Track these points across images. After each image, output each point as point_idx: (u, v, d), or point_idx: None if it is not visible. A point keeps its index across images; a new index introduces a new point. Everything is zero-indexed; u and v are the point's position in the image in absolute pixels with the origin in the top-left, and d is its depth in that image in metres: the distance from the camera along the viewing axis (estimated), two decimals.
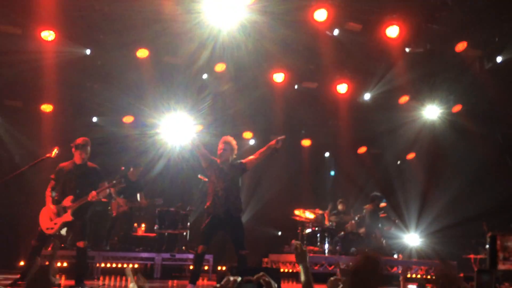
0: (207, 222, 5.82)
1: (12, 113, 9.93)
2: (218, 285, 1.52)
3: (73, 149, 5.94)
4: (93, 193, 5.77)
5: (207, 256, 8.49)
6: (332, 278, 2.54)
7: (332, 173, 13.09)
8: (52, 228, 5.78)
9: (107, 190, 6.63)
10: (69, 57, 9.15)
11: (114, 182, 6.30)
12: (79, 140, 6.00)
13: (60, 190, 5.91)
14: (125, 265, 8.10)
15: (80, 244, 5.86)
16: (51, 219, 5.78)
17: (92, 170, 6.04)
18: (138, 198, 8.85)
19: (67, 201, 5.81)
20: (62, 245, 7.80)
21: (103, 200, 8.33)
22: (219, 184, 5.85)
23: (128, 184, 8.79)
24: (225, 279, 1.49)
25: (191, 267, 8.16)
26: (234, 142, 6.11)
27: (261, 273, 1.99)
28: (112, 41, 9.25)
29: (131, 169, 9.04)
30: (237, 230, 5.81)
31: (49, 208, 5.80)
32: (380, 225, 9.51)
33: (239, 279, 1.48)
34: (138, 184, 9.06)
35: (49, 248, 7.06)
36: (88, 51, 9.40)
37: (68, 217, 5.77)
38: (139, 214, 9.06)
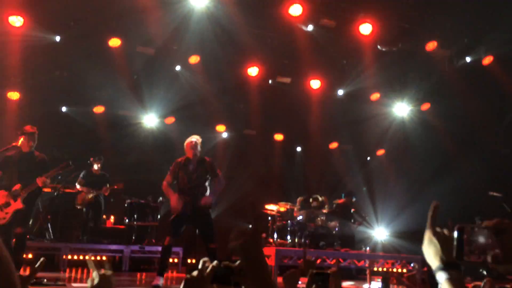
0: (174, 215, 5.82)
1: None
2: (191, 274, 1.51)
3: (20, 137, 5.72)
4: (43, 178, 5.58)
5: (176, 249, 8.47)
6: (288, 272, 2.52)
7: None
8: (4, 218, 5.55)
9: (55, 174, 6.25)
10: (37, 43, 8.90)
11: (61, 165, 5.95)
12: (28, 128, 5.80)
13: (7, 179, 5.68)
14: (92, 258, 7.99)
15: (19, 230, 5.61)
16: (1, 209, 5.57)
17: (40, 159, 5.85)
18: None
19: (16, 189, 5.60)
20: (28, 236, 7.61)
21: (68, 191, 8.16)
22: (186, 180, 5.86)
23: (93, 178, 8.67)
24: (200, 264, 1.47)
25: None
26: (200, 140, 6.05)
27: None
28: (83, 29, 9.04)
29: (94, 164, 8.79)
30: (205, 224, 5.84)
31: None
32: (352, 220, 9.70)
33: (215, 263, 1.47)
34: (103, 177, 8.88)
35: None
36: (57, 38, 9.16)
37: (18, 204, 5.58)
38: (104, 202, 8.87)
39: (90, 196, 8.46)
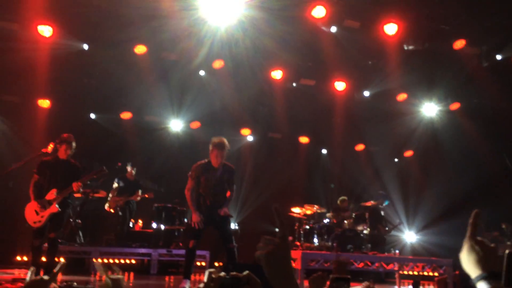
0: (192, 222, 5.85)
1: (10, 108, 9.91)
2: (201, 285, 1.48)
3: (58, 145, 5.91)
4: (78, 183, 5.77)
5: (203, 252, 8.52)
6: (315, 275, 2.48)
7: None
8: (39, 222, 5.74)
9: (89, 180, 6.44)
10: (66, 52, 9.14)
11: (96, 171, 6.14)
12: (66, 136, 5.99)
13: (45, 185, 5.87)
14: (122, 261, 8.12)
15: (52, 234, 5.82)
16: (37, 213, 5.75)
17: (74, 167, 6.05)
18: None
19: (51, 194, 5.80)
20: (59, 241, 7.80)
21: (97, 195, 8.34)
22: (208, 185, 5.85)
23: (127, 184, 8.85)
24: (206, 275, 1.45)
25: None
26: (226, 143, 5.97)
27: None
28: (109, 37, 9.23)
29: (128, 168, 9.03)
30: (224, 225, 5.86)
31: (34, 202, 5.78)
32: (383, 222, 9.52)
33: (222, 274, 1.44)
34: (137, 182, 9.10)
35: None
36: (85, 46, 9.39)
37: (54, 208, 5.75)
38: (133, 208, 9.03)
39: (122, 202, 8.66)
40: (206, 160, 5.98)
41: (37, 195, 5.81)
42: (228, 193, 6.00)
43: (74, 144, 6.02)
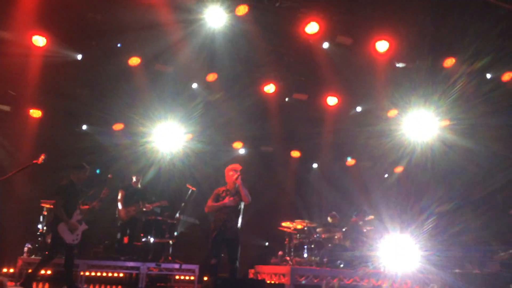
0: (213, 236, 6.51)
1: (0, 118, 9.84)
2: None
3: (75, 171, 6.78)
4: (96, 202, 7.01)
5: (192, 266, 8.47)
6: None
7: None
8: (76, 239, 6.69)
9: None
10: (59, 61, 9.13)
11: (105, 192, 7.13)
12: (82, 165, 6.87)
13: (69, 207, 6.65)
14: (110, 274, 8.04)
15: (76, 250, 6.90)
16: (71, 232, 6.58)
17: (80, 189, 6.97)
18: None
19: (77, 215, 6.71)
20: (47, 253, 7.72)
21: (85, 207, 8.26)
22: (223, 209, 6.56)
23: (134, 191, 8.82)
24: None
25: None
26: (239, 169, 6.74)
27: None
28: (103, 48, 9.25)
29: (134, 177, 9.03)
30: (234, 246, 6.56)
31: (70, 223, 6.57)
32: (365, 238, 9.46)
33: None
34: (143, 191, 9.07)
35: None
36: (79, 56, 9.39)
37: (84, 226, 6.79)
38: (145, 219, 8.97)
39: (135, 213, 8.57)
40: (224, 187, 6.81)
41: (68, 217, 6.55)
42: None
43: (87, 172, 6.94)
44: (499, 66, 10.03)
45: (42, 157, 6.02)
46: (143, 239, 8.72)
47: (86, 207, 7.04)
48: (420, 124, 11.81)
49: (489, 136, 10.63)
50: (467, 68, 10.13)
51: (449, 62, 9.95)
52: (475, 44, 9.44)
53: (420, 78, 10.34)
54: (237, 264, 6.49)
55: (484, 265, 9.24)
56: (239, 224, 6.66)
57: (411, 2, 8.89)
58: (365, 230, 9.51)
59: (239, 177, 6.55)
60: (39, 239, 8.06)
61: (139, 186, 9.08)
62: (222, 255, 6.63)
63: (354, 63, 10.15)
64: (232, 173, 6.69)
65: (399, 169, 12.69)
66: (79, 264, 7.56)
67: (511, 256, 9.11)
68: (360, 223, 9.56)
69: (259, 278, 8.79)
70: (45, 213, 8.16)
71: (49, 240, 7.78)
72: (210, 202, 6.67)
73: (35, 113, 9.87)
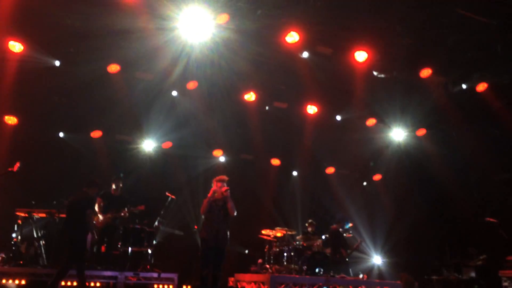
0: (202, 249, 6.67)
1: None
2: None
3: (89, 187, 7.07)
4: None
5: (171, 275, 8.38)
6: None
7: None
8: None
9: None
10: (37, 68, 8.99)
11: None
12: (95, 182, 7.17)
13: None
14: (86, 284, 7.87)
15: None
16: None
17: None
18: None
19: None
20: (21, 262, 7.55)
21: (63, 216, 8.08)
22: (213, 218, 6.73)
23: (111, 200, 8.58)
24: None
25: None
26: (227, 179, 7.00)
27: None
28: (82, 55, 9.14)
29: (113, 185, 8.76)
30: (220, 256, 6.70)
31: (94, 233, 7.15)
32: (343, 243, 9.49)
33: None
34: (122, 198, 8.77)
35: None
36: (57, 63, 9.26)
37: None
38: (121, 226, 8.76)
39: (110, 220, 8.38)
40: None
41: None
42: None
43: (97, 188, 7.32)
44: (473, 77, 10.30)
45: (17, 165, 5.93)
46: (121, 248, 8.59)
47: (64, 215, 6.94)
48: (398, 133, 12.06)
49: (464, 144, 10.89)
50: (444, 78, 10.37)
51: (426, 72, 10.16)
52: (450, 55, 9.68)
53: (397, 87, 10.54)
54: (220, 271, 6.66)
55: (460, 271, 9.42)
56: (228, 234, 6.85)
57: (388, 14, 9.06)
58: (345, 237, 9.58)
59: (228, 189, 6.78)
60: (13, 248, 7.87)
61: (119, 193, 8.84)
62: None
63: (334, 73, 10.28)
64: (220, 184, 6.87)
65: (377, 177, 12.86)
66: (55, 274, 7.38)
67: (486, 262, 9.31)
68: (340, 230, 9.62)
69: (239, 286, 8.76)
70: (20, 222, 7.95)
71: (24, 250, 7.62)
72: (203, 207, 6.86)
73: (10, 119, 9.66)
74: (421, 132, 11.70)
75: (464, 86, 10.56)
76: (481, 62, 9.83)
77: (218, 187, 6.85)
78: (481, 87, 10.32)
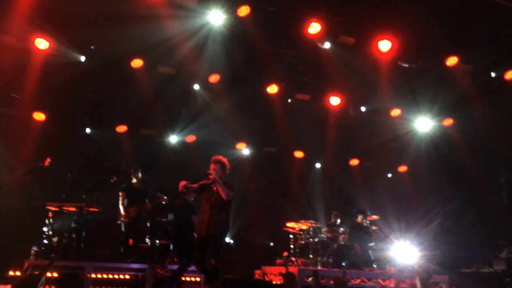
0: (195, 240, 6.39)
1: (4, 121, 9.82)
2: None
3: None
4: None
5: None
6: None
7: None
8: None
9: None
10: (63, 64, 9.11)
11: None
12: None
13: None
14: (116, 276, 8.01)
15: None
16: None
17: None
18: None
19: None
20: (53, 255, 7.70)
21: (92, 209, 8.20)
22: (205, 204, 6.13)
23: (135, 192, 8.58)
24: None
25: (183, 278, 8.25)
26: (224, 160, 6.21)
27: None
28: (106, 50, 9.24)
29: (133, 178, 8.71)
30: (213, 243, 6.05)
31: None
32: (363, 238, 9.29)
33: None
34: (143, 189, 8.74)
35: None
36: (82, 58, 9.38)
37: None
38: (147, 219, 8.85)
39: (135, 214, 8.46)
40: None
41: None
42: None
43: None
44: (502, 65, 10.03)
45: (48, 160, 6.04)
46: (149, 241, 8.70)
47: (94, 209, 7.03)
48: (424, 123, 11.82)
49: (493, 134, 10.64)
50: (471, 66, 10.13)
51: (452, 60, 9.94)
52: (478, 43, 9.44)
53: (423, 77, 10.34)
54: (219, 261, 6.02)
55: (491, 264, 9.24)
56: (223, 220, 6.12)
57: (413, 1, 8.89)
58: (370, 230, 9.46)
59: (211, 173, 6.03)
60: (45, 241, 8.05)
61: (140, 185, 8.87)
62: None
63: (357, 63, 10.15)
64: (212, 166, 6.16)
65: (403, 169, 12.68)
66: (86, 267, 7.54)
67: None
68: (365, 223, 9.51)
69: (266, 279, 8.78)
70: (51, 216, 8.12)
71: (55, 243, 7.78)
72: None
73: (39, 116, 9.84)
74: (448, 122, 11.47)
75: (493, 74, 10.32)
76: (510, 49, 9.57)
77: (212, 169, 6.13)
78: (510, 74, 10.06)
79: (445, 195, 11.35)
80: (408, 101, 11.17)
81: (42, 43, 8.79)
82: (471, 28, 9.04)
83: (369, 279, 7.86)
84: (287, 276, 7.33)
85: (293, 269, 7.89)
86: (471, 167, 11.01)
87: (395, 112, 11.57)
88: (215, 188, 6.08)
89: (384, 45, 9.63)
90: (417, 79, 10.45)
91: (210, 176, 5.99)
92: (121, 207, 8.43)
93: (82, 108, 10.09)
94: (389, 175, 13.06)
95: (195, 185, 6.26)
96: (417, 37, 9.72)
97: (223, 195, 5.94)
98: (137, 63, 9.79)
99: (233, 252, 10.38)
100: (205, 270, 6.09)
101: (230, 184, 6.15)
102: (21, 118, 9.76)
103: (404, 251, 9.98)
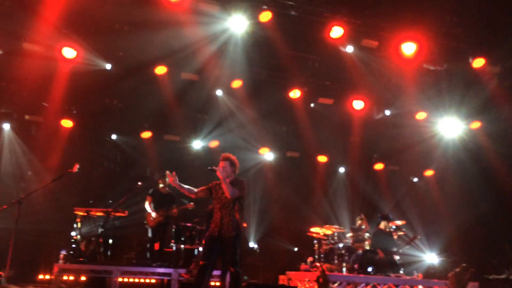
0: (206, 238, 5.86)
1: (34, 128, 10.09)
2: None
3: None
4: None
5: (217, 273, 8.38)
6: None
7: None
8: None
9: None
10: (89, 72, 9.31)
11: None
12: None
13: None
14: (142, 280, 8.11)
15: None
16: None
17: None
18: None
19: None
20: (81, 259, 7.85)
21: (119, 214, 8.32)
22: (216, 204, 5.78)
23: (161, 197, 8.70)
24: None
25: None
26: (233, 158, 5.85)
27: None
28: (131, 57, 9.42)
29: (159, 182, 8.81)
30: (226, 249, 5.61)
31: None
32: (386, 243, 9.10)
33: None
34: (170, 195, 8.81)
35: None
36: (108, 66, 9.57)
37: None
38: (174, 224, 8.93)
39: (162, 218, 8.58)
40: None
41: None
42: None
43: None
44: None
45: (76, 166, 6.17)
46: (174, 246, 8.77)
47: (120, 214, 7.10)
48: (450, 127, 11.56)
49: None
50: (498, 68, 9.89)
51: (479, 62, 9.73)
52: (505, 43, 9.22)
53: (449, 79, 10.15)
54: (236, 267, 5.54)
55: None
56: (234, 222, 5.68)
57: (437, 3, 8.76)
58: (395, 236, 9.29)
59: (218, 169, 5.64)
60: (73, 246, 8.21)
61: (167, 190, 8.97)
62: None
63: (380, 66, 10.05)
64: (220, 163, 5.77)
65: (429, 173, 12.44)
66: (113, 271, 7.65)
67: None
68: (390, 228, 9.34)
69: (291, 284, 8.71)
70: (79, 221, 8.28)
71: (83, 247, 7.93)
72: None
73: (67, 123, 10.08)
74: (476, 125, 11.19)
75: None
76: None
77: (221, 166, 5.73)
78: None
79: (473, 199, 11.08)
80: (434, 104, 10.98)
81: (69, 52, 9.03)
82: (497, 28, 8.83)
83: (397, 286, 7.71)
84: (323, 282, 7.17)
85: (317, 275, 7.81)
86: (500, 171, 10.71)
87: (421, 115, 11.37)
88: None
89: (408, 47, 9.49)
90: (443, 82, 10.26)
91: (217, 173, 5.62)
92: (150, 211, 8.55)
93: (108, 115, 10.27)
94: (415, 179, 12.84)
95: (204, 188, 5.96)
96: (442, 39, 9.55)
97: (227, 193, 5.61)
98: (161, 70, 9.95)
99: (257, 257, 10.37)
100: (231, 275, 5.55)
101: (239, 181, 5.80)
102: (49, 125, 10.02)
103: (431, 257, 9.78)
